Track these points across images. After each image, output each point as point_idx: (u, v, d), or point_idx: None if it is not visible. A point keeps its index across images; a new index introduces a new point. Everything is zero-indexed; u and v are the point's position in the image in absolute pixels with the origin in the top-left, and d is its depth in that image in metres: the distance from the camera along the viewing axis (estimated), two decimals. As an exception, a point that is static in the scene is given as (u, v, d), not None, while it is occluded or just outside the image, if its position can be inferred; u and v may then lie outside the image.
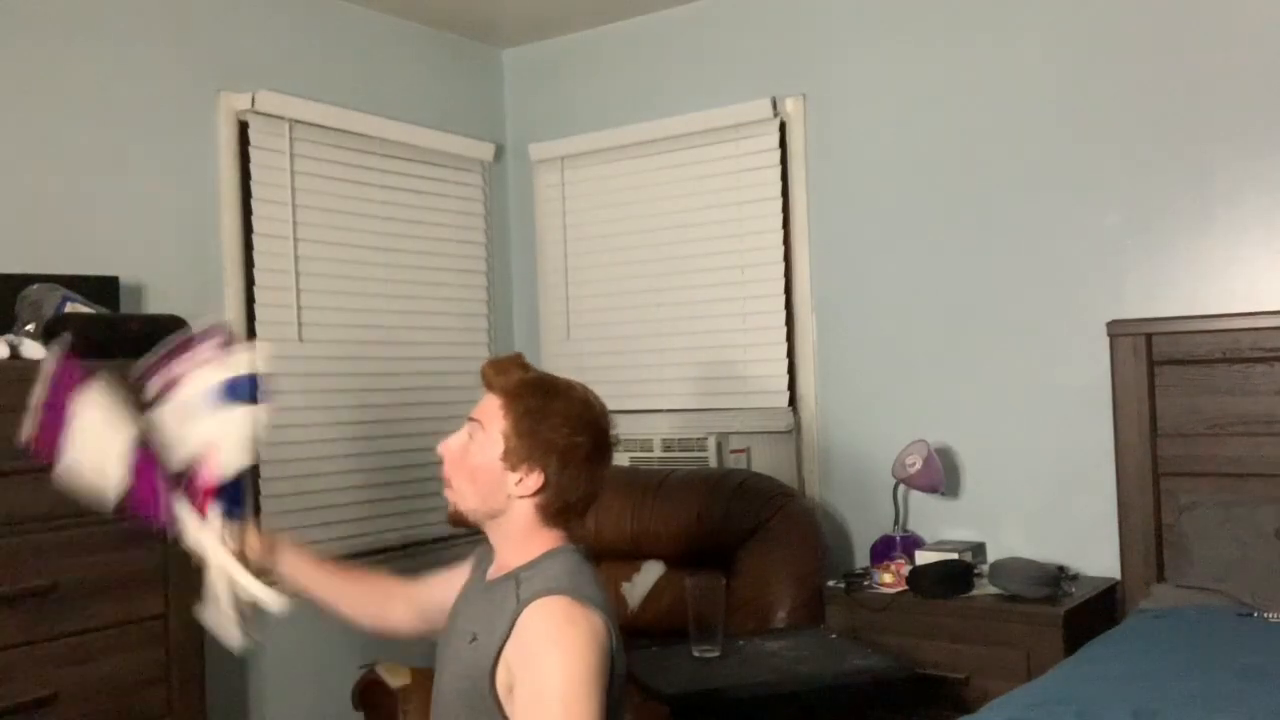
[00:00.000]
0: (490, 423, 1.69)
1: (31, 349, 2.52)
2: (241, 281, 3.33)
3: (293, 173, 3.47)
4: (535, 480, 1.67)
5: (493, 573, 1.75)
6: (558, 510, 1.70)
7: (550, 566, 1.66)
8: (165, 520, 1.79)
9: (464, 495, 1.71)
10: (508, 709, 1.58)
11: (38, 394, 1.76)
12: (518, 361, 1.77)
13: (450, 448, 1.74)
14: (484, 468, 1.68)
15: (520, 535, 1.70)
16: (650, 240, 3.90)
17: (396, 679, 2.78)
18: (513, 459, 1.67)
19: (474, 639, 1.64)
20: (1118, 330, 2.99)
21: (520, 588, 1.62)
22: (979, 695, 2.66)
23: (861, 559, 3.39)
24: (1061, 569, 2.95)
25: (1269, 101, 2.88)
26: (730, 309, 3.73)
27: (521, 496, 1.68)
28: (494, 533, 1.74)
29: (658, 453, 3.68)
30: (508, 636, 1.58)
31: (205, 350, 1.79)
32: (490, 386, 1.73)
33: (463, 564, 1.91)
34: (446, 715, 1.70)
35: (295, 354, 3.45)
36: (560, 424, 1.67)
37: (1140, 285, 3.05)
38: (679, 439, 3.65)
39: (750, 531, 3.07)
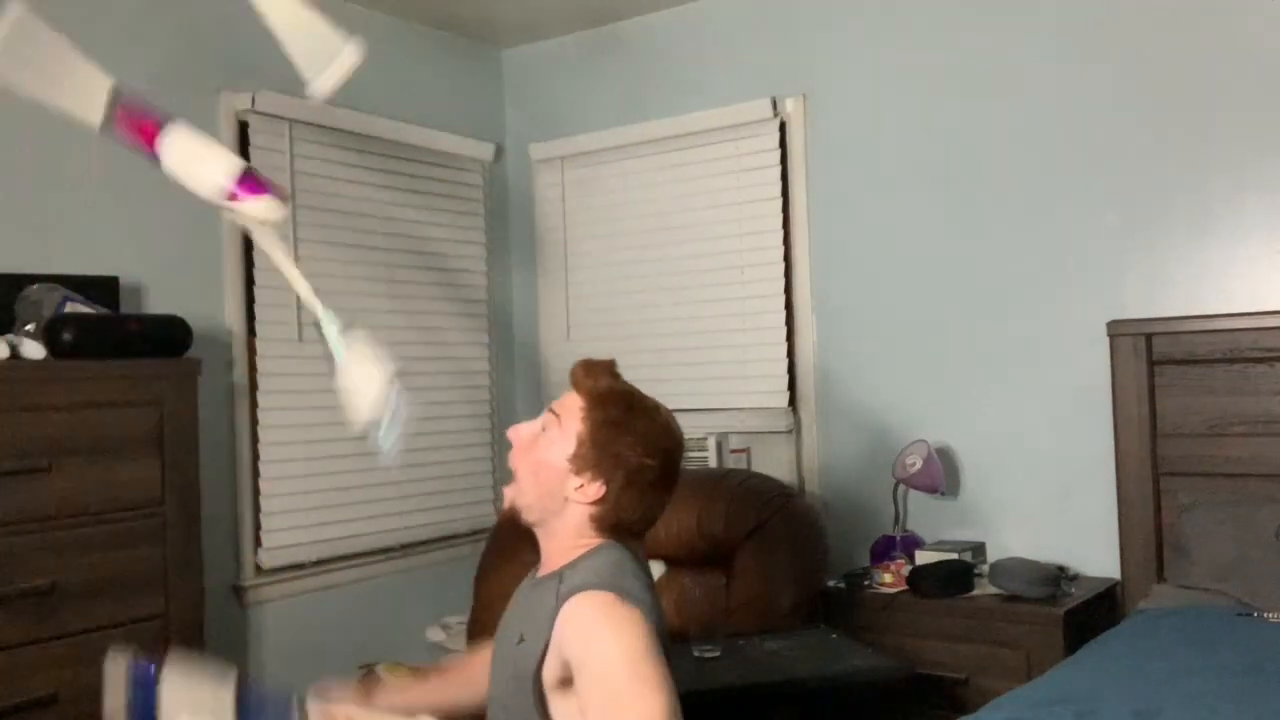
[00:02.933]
0: (568, 420, 1.67)
1: (31, 349, 2.52)
2: (241, 281, 3.33)
3: (293, 173, 3.46)
4: (596, 490, 1.65)
5: (539, 573, 1.74)
6: (611, 524, 1.68)
7: (593, 562, 1.64)
8: None
9: (524, 490, 1.70)
10: (552, 702, 1.59)
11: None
12: (609, 368, 1.73)
13: (520, 434, 1.72)
14: (549, 463, 1.67)
15: (570, 537, 1.68)
16: (650, 240, 3.90)
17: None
18: (580, 463, 1.65)
19: (521, 640, 1.64)
20: (1118, 330, 2.99)
21: (562, 584, 1.62)
22: (979, 695, 2.66)
23: (861, 559, 3.39)
24: (1061, 569, 2.95)
25: (1269, 102, 2.88)
26: (730, 309, 3.73)
27: (578, 502, 1.66)
28: (544, 533, 1.72)
29: (658, 453, 3.68)
30: (551, 631, 1.58)
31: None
32: (577, 386, 1.70)
33: None
34: (499, 717, 1.70)
35: (295, 354, 3.45)
36: (636, 442, 1.65)
37: (1140, 285, 3.05)
38: (679, 439, 3.65)
39: (750, 531, 3.07)
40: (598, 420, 1.66)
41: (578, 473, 1.65)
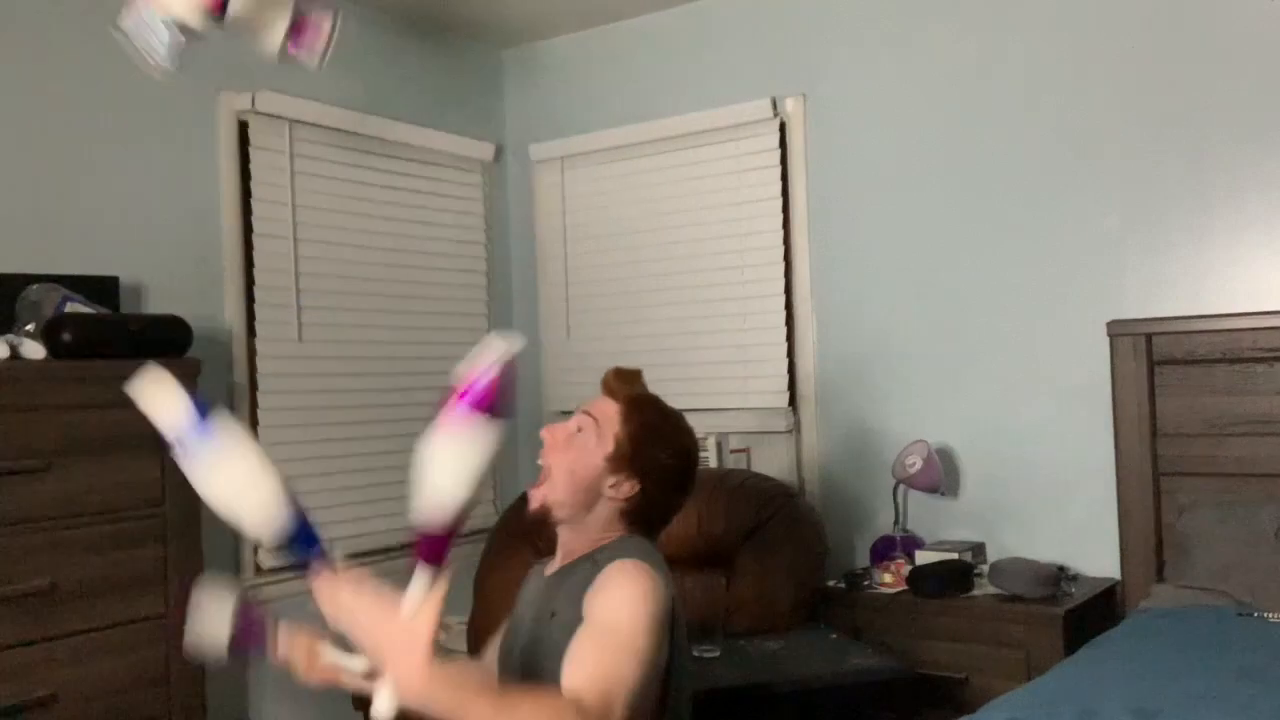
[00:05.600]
0: (606, 423, 1.78)
1: (31, 349, 2.52)
2: (241, 281, 3.33)
3: (293, 173, 3.47)
4: (629, 489, 1.77)
5: (559, 563, 1.82)
6: (638, 520, 1.80)
7: (623, 544, 1.76)
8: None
9: (557, 486, 1.77)
10: None
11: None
12: (640, 376, 1.87)
13: (557, 434, 1.81)
14: (587, 462, 1.76)
15: (598, 530, 1.79)
16: (650, 240, 3.90)
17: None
18: (616, 464, 1.76)
19: (553, 615, 1.71)
20: (1118, 330, 2.99)
21: (597, 560, 1.71)
22: (979, 695, 2.66)
23: (861, 559, 3.39)
24: (1061, 569, 2.95)
25: (1269, 101, 2.88)
26: (730, 309, 3.73)
27: (612, 499, 1.77)
28: (572, 529, 1.80)
29: (658, 453, 3.68)
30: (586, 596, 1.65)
31: None
32: (613, 393, 1.82)
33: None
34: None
35: (295, 354, 3.45)
36: (668, 445, 1.80)
37: (1140, 285, 3.05)
38: (679, 439, 3.65)
39: (750, 531, 3.07)
40: (637, 424, 1.78)
41: (613, 472, 1.76)
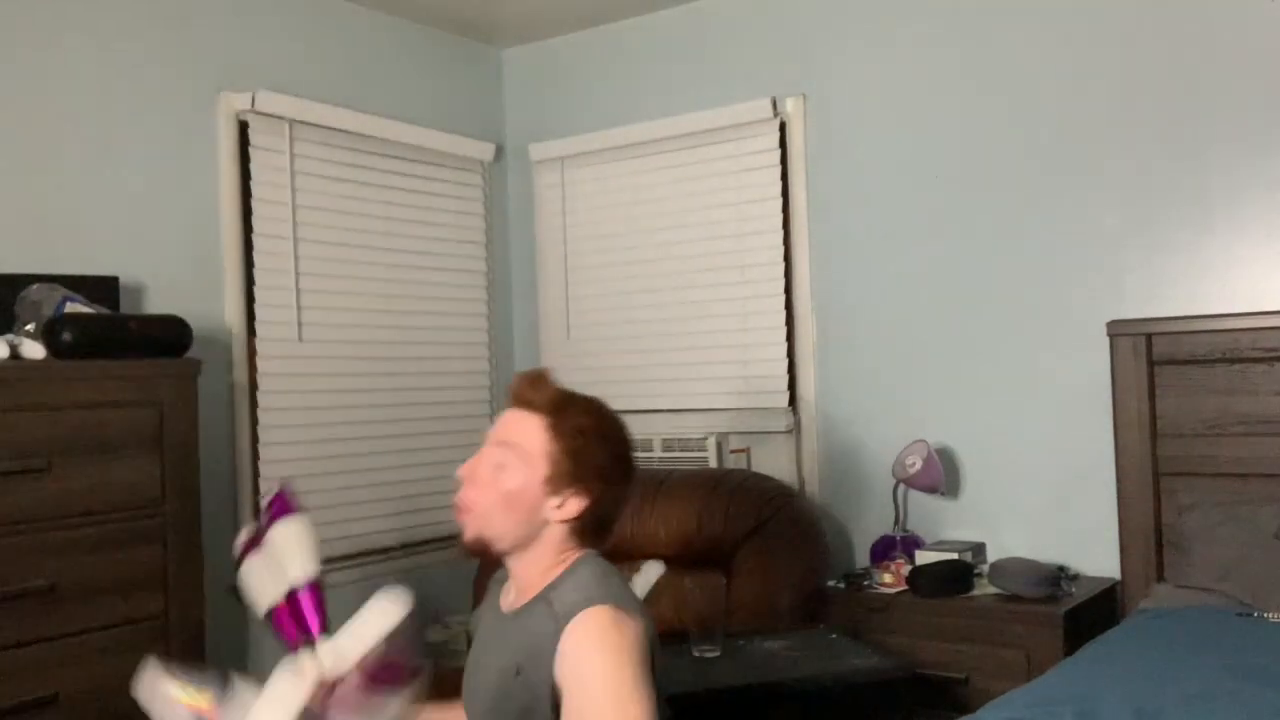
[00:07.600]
0: (530, 444, 1.59)
1: (31, 349, 2.52)
2: (241, 281, 3.33)
3: (293, 173, 3.46)
4: (578, 504, 1.60)
5: (514, 600, 1.66)
6: (593, 529, 1.64)
7: (578, 577, 1.59)
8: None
9: (491, 522, 1.60)
10: None
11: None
12: (547, 376, 1.65)
13: (477, 473, 1.62)
14: (522, 493, 1.58)
15: (549, 556, 1.62)
16: (650, 240, 3.90)
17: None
18: (557, 483, 1.58)
19: (518, 672, 1.56)
20: (1118, 330, 2.99)
21: (554, 606, 1.55)
22: (979, 695, 2.66)
23: (861, 559, 3.39)
24: (1061, 569, 2.95)
25: (1269, 101, 2.88)
26: (730, 309, 3.73)
27: (560, 520, 1.60)
28: (521, 558, 1.64)
29: (658, 453, 3.68)
30: (554, 658, 1.51)
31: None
32: (529, 405, 1.61)
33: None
34: None
35: (295, 354, 3.45)
36: (603, 442, 1.61)
37: (1140, 285, 3.05)
38: (679, 439, 3.65)
39: (750, 531, 3.07)
40: (569, 432, 1.59)
41: (556, 493, 1.59)
